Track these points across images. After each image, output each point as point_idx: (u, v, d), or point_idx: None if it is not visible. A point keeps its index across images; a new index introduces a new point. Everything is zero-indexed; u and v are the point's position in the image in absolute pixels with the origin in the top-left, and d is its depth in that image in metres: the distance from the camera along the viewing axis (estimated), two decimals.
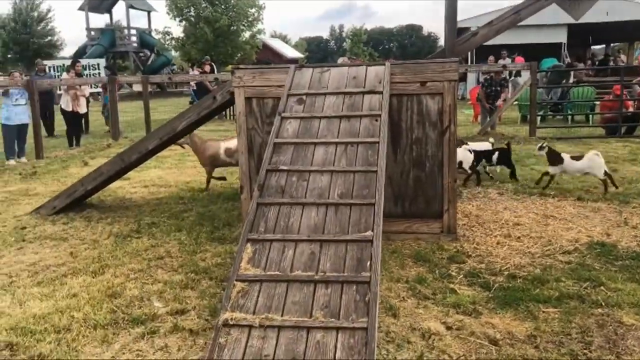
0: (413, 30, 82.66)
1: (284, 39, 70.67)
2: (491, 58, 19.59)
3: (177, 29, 44.66)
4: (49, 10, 52.39)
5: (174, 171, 9.99)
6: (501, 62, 18.27)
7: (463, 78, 24.26)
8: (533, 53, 21.90)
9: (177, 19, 36.34)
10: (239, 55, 36.58)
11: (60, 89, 15.65)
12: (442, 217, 5.85)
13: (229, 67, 21.30)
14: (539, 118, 14.70)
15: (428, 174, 5.85)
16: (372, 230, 4.04)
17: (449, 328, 4.00)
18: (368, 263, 3.80)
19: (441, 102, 5.73)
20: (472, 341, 3.79)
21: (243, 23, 36.67)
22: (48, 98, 14.49)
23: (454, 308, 4.31)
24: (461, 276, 4.90)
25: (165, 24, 44.44)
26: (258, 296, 3.71)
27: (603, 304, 4.35)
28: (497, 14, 8.71)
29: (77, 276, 5.04)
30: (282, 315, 3.53)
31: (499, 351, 3.67)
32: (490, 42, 9.44)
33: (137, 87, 26.86)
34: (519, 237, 5.87)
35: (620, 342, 3.75)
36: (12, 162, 11.17)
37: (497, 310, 4.28)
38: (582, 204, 7.11)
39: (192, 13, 36.03)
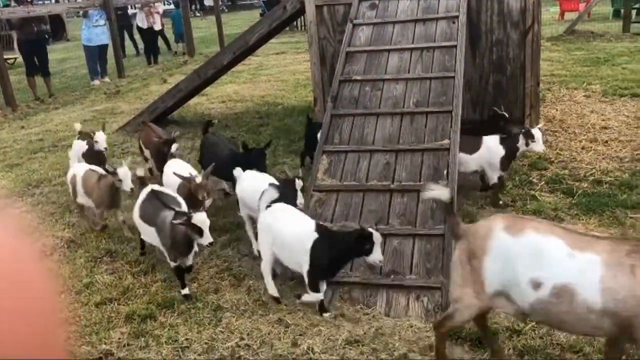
0: None
1: None
2: None
3: None
4: None
5: (248, 86, 10.09)
6: None
7: None
8: None
9: None
10: None
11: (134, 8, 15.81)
12: (523, 122, 5.62)
13: None
14: (634, 12, 13.41)
15: (509, 77, 5.58)
16: (449, 138, 3.96)
17: None
18: (445, 171, 3.76)
19: (524, 0, 5.35)
20: None
21: None
22: (123, 18, 14.54)
23: (535, 215, 4.23)
24: (543, 183, 4.77)
25: None
26: (335, 205, 3.80)
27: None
28: None
29: None
30: (359, 223, 3.61)
31: None
32: None
33: (208, 2, 26.79)
34: (606, 142, 5.58)
35: None
36: (96, 82, 11.64)
37: (580, 216, 4.17)
38: None
39: None
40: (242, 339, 3.08)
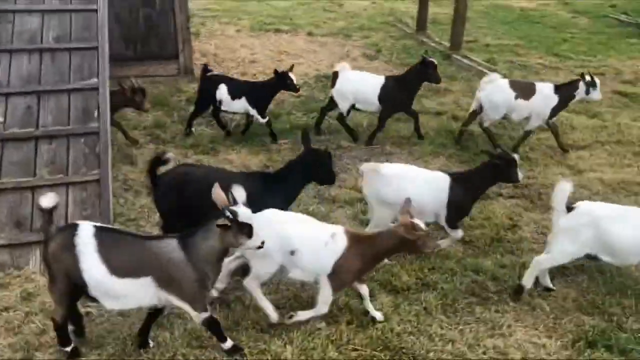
0: None
1: None
2: None
3: None
4: None
5: None
6: None
7: None
8: None
9: None
10: None
11: None
12: (178, 58, 5.68)
13: None
14: None
15: (159, 12, 5.51)
16: (98, 77, 3.75)
17: None
18: (96, 113, 3.57)
19: None
20: None
21: None
22: None
23: (193, 149, 4.39)
24: (200, 117, 4.93)
25: None
26: None
27: (326, 131, 4.87)
28: None
29: None
30: (0, 179, 3.20)
31: None
32: None
33: None
34: (254, 74, 6.05)
35: (339, 162, 4.27)
36: None
37: (234, 147, 4.48)
38: (311, 38, 7.53)
39: None
40: None
